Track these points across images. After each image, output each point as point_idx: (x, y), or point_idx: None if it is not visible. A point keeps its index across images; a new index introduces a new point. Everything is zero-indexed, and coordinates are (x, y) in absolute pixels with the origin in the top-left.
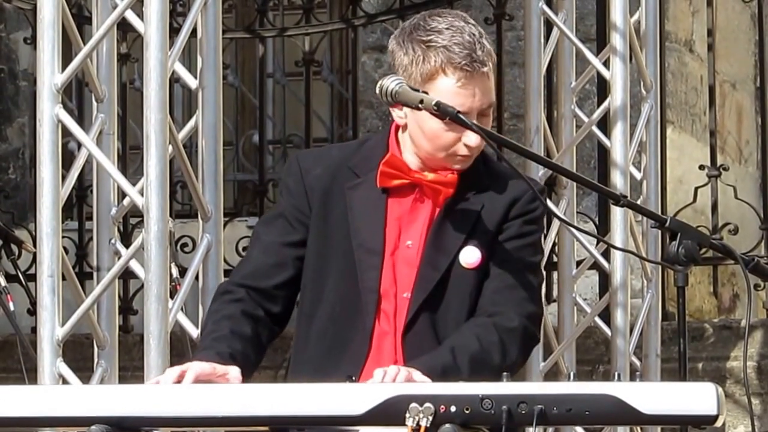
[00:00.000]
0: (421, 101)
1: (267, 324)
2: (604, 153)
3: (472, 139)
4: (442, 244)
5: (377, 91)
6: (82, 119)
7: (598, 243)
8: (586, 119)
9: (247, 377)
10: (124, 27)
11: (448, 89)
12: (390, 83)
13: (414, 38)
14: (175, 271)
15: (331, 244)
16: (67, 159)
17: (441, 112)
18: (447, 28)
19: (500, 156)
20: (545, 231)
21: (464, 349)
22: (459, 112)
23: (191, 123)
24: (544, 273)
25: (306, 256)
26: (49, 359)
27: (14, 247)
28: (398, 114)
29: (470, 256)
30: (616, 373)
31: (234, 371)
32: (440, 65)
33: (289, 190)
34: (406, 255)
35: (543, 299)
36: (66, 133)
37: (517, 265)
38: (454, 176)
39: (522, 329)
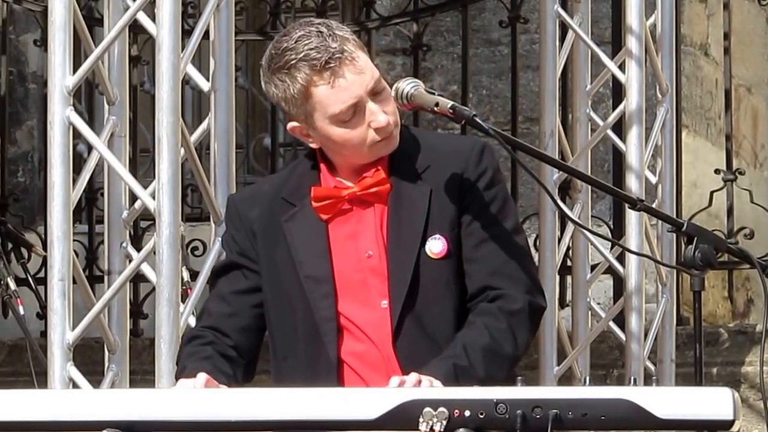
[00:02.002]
0: (437, 104)
1: (241, 365)
2: (618, 157)
3: (379, 118)
4: (403, 242)
5: (392, 94)
6: (92, 122)
7: (612, 247)
8: (601, 123)
9: None
10: (134, 29)
11: (326, 95)
12: (405, 86)
13: (274, 69)
14: (186, 275)
15: (283, 283)
16: (76, 162)
17: (457, 115)
18: (296, 41)
19: (515, 158)
20: (559, 234)
21: (476, 345)
22: (444, 109)
23: (203, 126)
24: (558, 277)
25: (264, 301)
26: (59, 363)
27: (24, 251)
28: (310, 141)
29: (435, 246)
30: (632, 378)
31: None
32: (307, 78)
33: (233, 238)
34: (371, 265)
35: (557, 301)
36: (76, 135)
37: (500, 236)
38: (380, 172)
39: (528, 308)
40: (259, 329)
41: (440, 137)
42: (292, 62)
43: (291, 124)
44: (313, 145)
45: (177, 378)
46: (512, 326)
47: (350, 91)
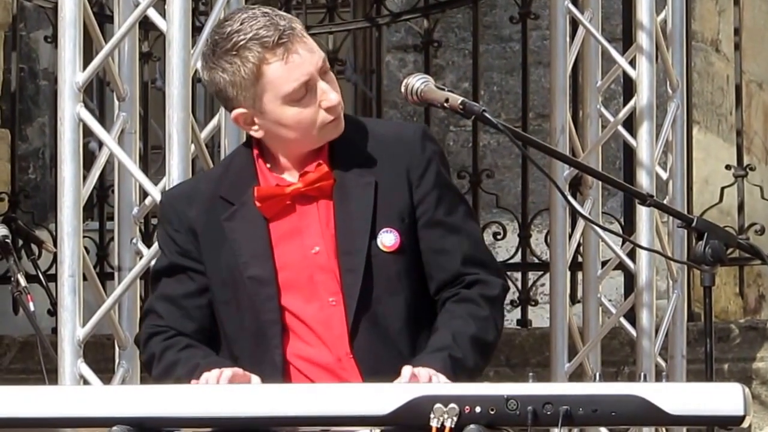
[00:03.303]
0: (447, 100)
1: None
2: (629, 153)
3: (331, 96)
4: (352, 237)
5: (402, 90)
6: (103, 118)
7: (623, 243)
8: (611, 119)
9: None
10: (145, 25)
11: (280, 73)
12: (416, 82)
13: (220, 53)
14: None
15: (228, 284)
16: (88, 159)
17: (467, 111)
18: (241, 24)
19: (525, 155)
20: (570, 231)
21: (464, 334)
22: (445, 102)
23: (214, 122)
24: (569, 274)
25: (213, 301)
26: (69, 360)
27: (34, 247)
28: (254, 129)
29: (387, 239)
30: (643, 374)
31: (256, 380)
32: (259, 56)
33: (172, 239)
34: (318, 262)
35: (568, 297)
36: (87, 132)
37: (462, 224)
38: (322, 166)
39: (502, 293)
40: (212, 329)
41: (380, 124)
42: (242, 42)
43: (236, 112)
44: (256, 135)
45: (167, 373)
46: (493, 315)
47: (303, 68)
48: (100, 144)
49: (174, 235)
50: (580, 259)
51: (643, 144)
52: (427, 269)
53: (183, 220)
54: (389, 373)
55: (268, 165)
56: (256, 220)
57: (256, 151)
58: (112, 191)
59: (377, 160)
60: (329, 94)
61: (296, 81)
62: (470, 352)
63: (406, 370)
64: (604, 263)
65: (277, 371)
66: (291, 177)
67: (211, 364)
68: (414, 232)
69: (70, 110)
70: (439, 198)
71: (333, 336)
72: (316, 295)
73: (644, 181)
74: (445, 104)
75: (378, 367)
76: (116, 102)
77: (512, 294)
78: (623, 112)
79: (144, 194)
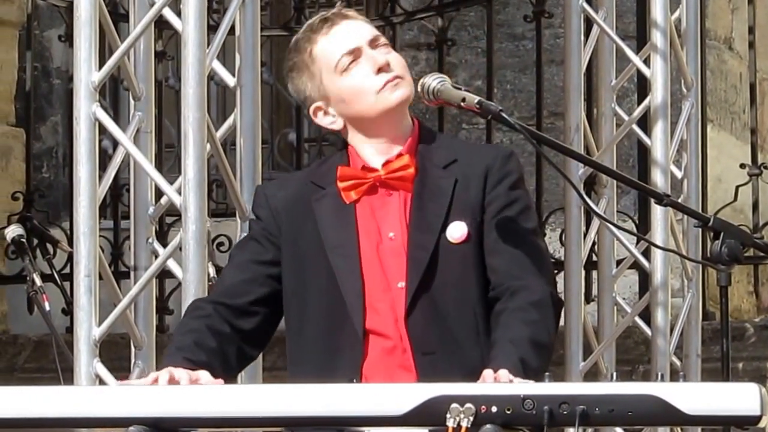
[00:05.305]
0: (464, 99)
1: (234, 341)
2: (644, 151)
3: (378, 59)
4: (424, 225)
5: (418, 89)
6: (117, 117)
7: (638, 242)
8: (626, 117)
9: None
10: (159, 24)
11: (326, 45)
12: (432, 81)
13: (290, 57)
14: (212, 271)
15: (306, 258)
16: (101, 158)
17: (483, 110)
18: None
19: (540, 153)
20: (585, 229)
21: (522, 339)
22: (467, 102)
23: (229, 121)
24: (584, 272)
25: (283, 278)
26: (85, 359)
27: (50, 247)
28: (329, 121)
29: (456, 231)
30: (659, 374)
31: (205, 375)
32: (309, 41)
33: (257, 217)
34: (392, 247)
35: (583, 296)
36: (101, 131)
37: (520, 234)
38: (405, 157)
39: (549, 298)
40: (275, 299)
41: (469, 142)
42: (299, 38)
43: (312, 107)
44: (334, 126)
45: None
46: (543, 317)
47: (348, 39)
48: (114, 143)
49: (260, 212)
50: (594, 257)
51: (658, 142)
52: (487, 269)
53: (270, 200)
54: (442, 358)
55: (358, 157)
56: (343, 203)
57: (349, 148)
58: (127, 190)
59: (460, 165)
60: (377, 57)
61: (341, 49)
62: (532, 354)
63: (487, 373)
64: (618, 262)
65: (358, 341)
66: (376, 166)
67: (168, 356)
68: (482, 229)
69: (86, 109)
70: (506, 205)
71: (396, 317)
72: (387, 279)
73: (659, 180)
74: (462, 104)
75: (432, 349)
76: (130, 101)
77: None
78: (638, 111)
79: (159, 193)
